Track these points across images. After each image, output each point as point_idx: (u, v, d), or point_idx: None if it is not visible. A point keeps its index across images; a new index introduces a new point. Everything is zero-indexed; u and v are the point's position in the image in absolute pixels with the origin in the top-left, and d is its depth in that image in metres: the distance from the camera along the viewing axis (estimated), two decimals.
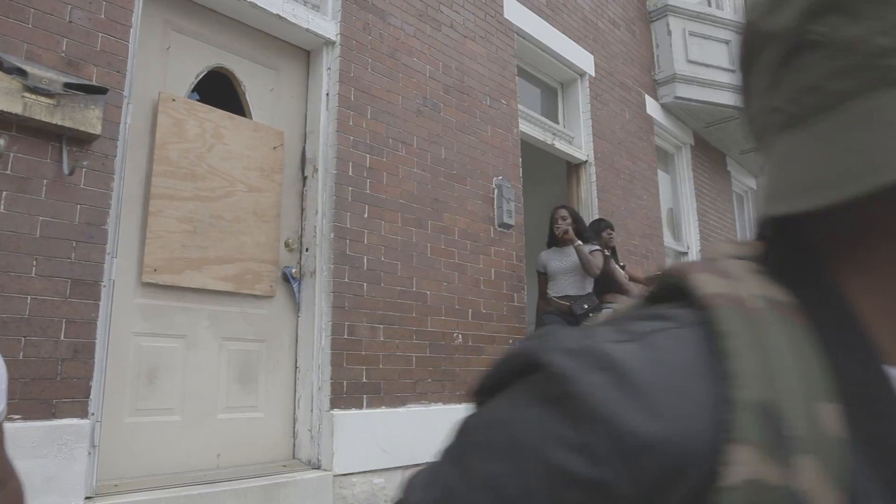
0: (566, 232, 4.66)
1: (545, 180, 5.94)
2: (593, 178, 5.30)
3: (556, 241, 4.48)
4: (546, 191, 5.86)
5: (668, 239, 6.58)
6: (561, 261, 4.52)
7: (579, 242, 4.62)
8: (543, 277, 4.44)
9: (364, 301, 3.24)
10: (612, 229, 4.80)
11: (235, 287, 2.99)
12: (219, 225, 2.96)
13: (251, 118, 3.23)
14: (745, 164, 8.49)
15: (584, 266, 4.68)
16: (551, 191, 5.95)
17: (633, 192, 5.79)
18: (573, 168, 5.36)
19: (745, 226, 8.72)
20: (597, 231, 4.77)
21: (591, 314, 4.43)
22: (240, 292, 3.01)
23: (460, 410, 3.64)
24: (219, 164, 3.00)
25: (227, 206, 3.01)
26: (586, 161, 5.33)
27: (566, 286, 4.44)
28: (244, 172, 3.10)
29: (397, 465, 3.21)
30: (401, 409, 3.29)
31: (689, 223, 6.92)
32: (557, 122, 5.42)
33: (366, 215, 3.34)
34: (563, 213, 4.56)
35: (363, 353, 3.19)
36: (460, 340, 3.72)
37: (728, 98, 6.80)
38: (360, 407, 3.12)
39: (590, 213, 5.25)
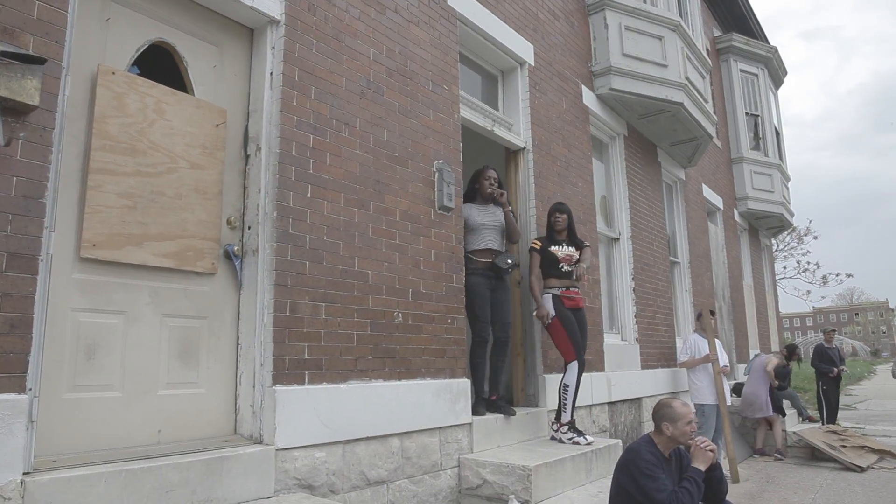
0: (502, 195, 4.84)
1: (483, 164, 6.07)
2: (531, 164, 5.47)
3: (474, 197, 4.78)
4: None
5: (601, 225, 6.84)
6: (484, 216, 4.73)
7: (510, 208, 4.85)
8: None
9: (306, 279, 3.29)
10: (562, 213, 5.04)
11: (177, 264, 2.99)
12: (160, 201, 2.95)
13: (193, 95, 3.21)
14: (675, 155, 8.86)
15: (511, 230, 4.90)
16: None
17: (569, 178, 6.00)
18: (511, 154, 5.52)
19: (673, 214, 9.13)
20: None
21: (512, 269, 4.65)
22: (181, 269, 3.01)
23: (401, 388, 3.75)
24: (160, 140, 2.99)
25: (169, 183, 3.00)
26: (524, 148, 5.49)
27: (489, 240, 4.68)
28: (186, 149, 3.09)
29: (339, 439, 3.29)
30: (342, 386, 3.37)
31: (620, 210, 7.20)
32: (497, 109, 5.55)
33: (309, 195, 3.38)
34: (493, 174, 4.81)
35: (305, 330, 3.25)
36: (400, 319, 3.82)
37: (660, 92, 7.09)
38: (302, 383, 3.19)
39: (527, 199, 5.42)
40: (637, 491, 3.23)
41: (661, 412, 3.43)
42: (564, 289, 4.80)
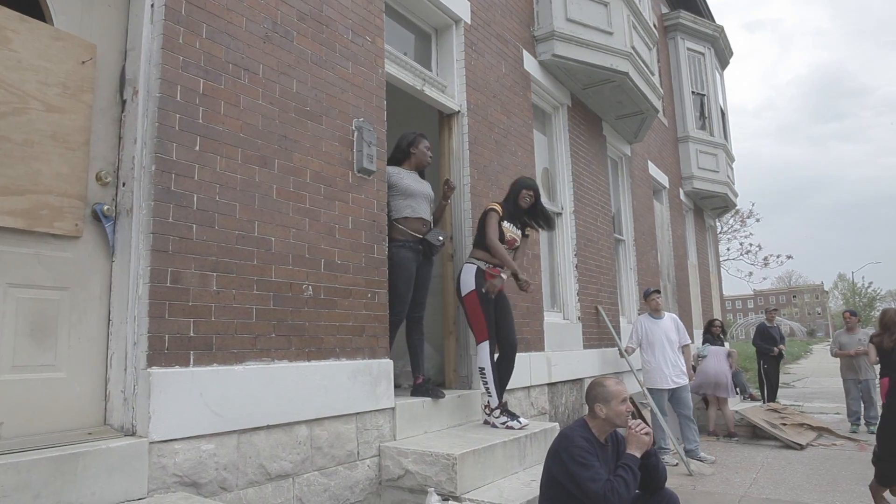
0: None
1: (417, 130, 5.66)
2: (465, 129, 5.08)
3: (401, 162, 4.40)
4: None
5: (542, 198, 6.51)
6: (419, 184, 4.36)
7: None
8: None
9: (193, 245, 2.84)
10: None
11: (27, 224, 2.50)
12: (3, 148, 2.45)
13: (52, 24, 2.70)
14: (620, 130, 8.62)
15: (440, 216, 4.54)
16: None
17: (507, 147, 5.64)
18: (445, 119, 5.12)
19: (619, 190, 8.90)
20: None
21: (442, 247, 4.31)
22: (33, 231, 2.52)
23: (310, 369, 3.33)
24: (3, 75, 2.48)
25: (16, 126, 2.50)
26: (458, 111, 5.10)
27: (421, 209, 4.31)
28: (40, 88, 2.59)
29: (232, 429, 2.87)
30: (238, 367, 2.94)
31: (563, 184, 6.90)
32: (430, 70, 5.14)
33: (197, 148, 2.92)
34: (429, 143, 4.45)
35: (191, 303, 2.80)
36: (311, 293, 3.40)
37: (605, 60, 6.79)
38: (186, 364, 2.74)
39: (461, 166, 5.04)
40: (568, 480, 2.91)
41: (593, 392, 3.11)
42: (492, 266, 4.43)
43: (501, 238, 4.40)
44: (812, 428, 8.74)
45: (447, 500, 3.09)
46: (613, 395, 3.03)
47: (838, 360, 9.50)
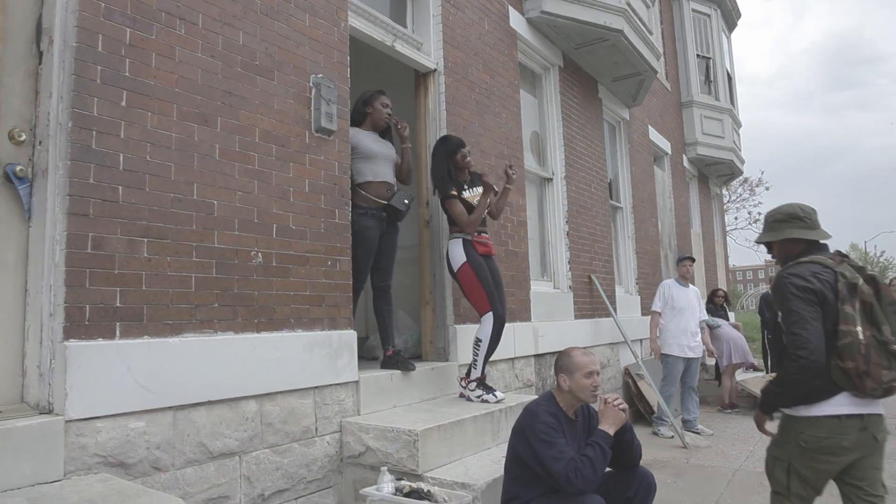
0: (405, 128, 4.23)
1: (392, 92, 5.40)
2: (442, 88, 4.80)
3: (361, 123, 4.12)
4: (392, 102, 5.31)
5: (531, 163, 6.25)
6: (381, 145, 4.11)
7: (409, 145, 4.23)
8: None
9: (119, 208, 2.62)
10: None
11: None
12: None
13: None
14: (618, 92, 8.27)
15: (406, 172, 4.30)
16: (398, 103, 5.44)
17: (490, 108, 5.35)
18: (421, 78, 4.84)
19: (616, 156, 8.58)
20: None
21: (407, 212, 4.08)
22: None
23: (260, 341, 3.12)
24: None
25: None
26: (435, 70, 4.81)
27: (385, 173, 4.08)
28: None
29: (167, 405, 2.67)
30: (173, 340, 2.73)
31: (554, 148, 6.61)
32: (406, 27, 4.85)
33: (123, 103, 2.68)
34: (388, 101, 4.18)
35: (117, 271, 2.58)
36: (260, 260, 3.18)
37: (597, 17, 6.45)
38: (112, 337, 2.54)
39: (437, 127, 4.77)
40: (532, 458, 2.70)
41: (559, 363, 2.89)
42: (476, 233, 4.18)
43: (469, 209, 4.17)
44: None
45: (401, 479, 2.89)
46: (578, 367, 2.80)
47: None
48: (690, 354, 6.81)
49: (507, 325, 4.84)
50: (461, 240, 4.12)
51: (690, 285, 7.04)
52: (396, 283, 5.50)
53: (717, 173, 13.38)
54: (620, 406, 2.77)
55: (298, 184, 3.43)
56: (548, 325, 5.82)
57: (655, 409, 7.00)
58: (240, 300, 3.05)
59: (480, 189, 4.29)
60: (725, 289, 12.18)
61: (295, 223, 3.38)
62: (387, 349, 4.06)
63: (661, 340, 6.94)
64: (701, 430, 6.85)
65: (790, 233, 2.78)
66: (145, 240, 2.69)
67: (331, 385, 3.45)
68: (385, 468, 2.90)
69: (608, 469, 2.94)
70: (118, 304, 2.57)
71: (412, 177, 4.40)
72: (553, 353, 5.93)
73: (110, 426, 2.47)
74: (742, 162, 13.37)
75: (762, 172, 31.96)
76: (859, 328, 2.47)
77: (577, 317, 6.51)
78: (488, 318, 4.02)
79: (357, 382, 3.61)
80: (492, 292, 4.04)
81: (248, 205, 3.14)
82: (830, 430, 2.51)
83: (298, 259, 3.38)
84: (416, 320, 4.96)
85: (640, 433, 7.02)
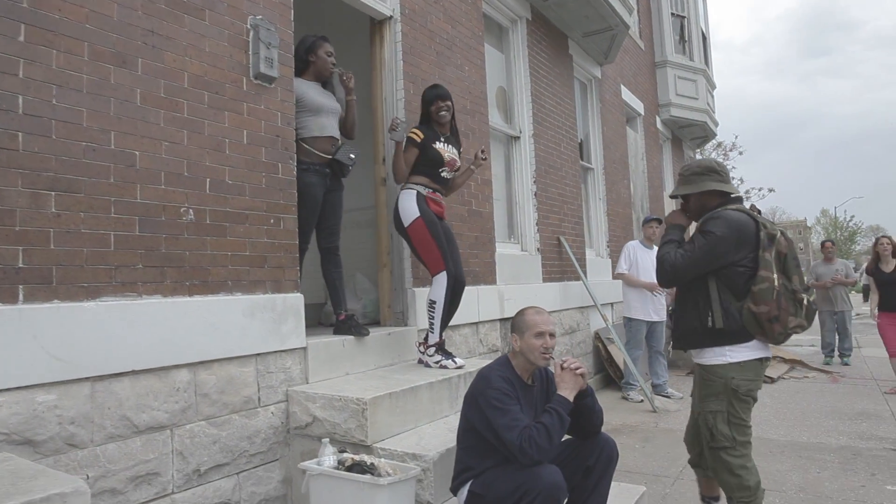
0: (350, 78, 3.95)
1: (343, 41, 5.09)
2: (399, 37, 4.49)
3: (303, 73, 3.80)
4: (346, 51, 5.00)
5: (497, 120, 5.99)
6: (326, 98, 3.84)
7: (355, 97, 3.95)
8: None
9: (19, 158, 2.32)
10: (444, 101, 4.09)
11: None
12: None
13: None
14: (589, 49, 8.00)
15: (350, 125, 4.04)
16: (350, 53, 5.14)
17: (452, 59, 5.06)
18: (377, 25, 4.52)
19: (587, 116, 8.35)
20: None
21: (353, 167, 3.84)
22: None
23: (192, 305, 2.86)
24: None
25: None
26: (391, 17, 4.50)
27: (330, 127, 3.81)
28: None
29: (83, 375, 2.42)
30: (89, 304, 2.47)
31: (521, 105, 6.35)
32: None
33: (21, 38, 2.36)
34: (332, 49, 3.89)
35: (18, 228, 2.30)
36: (192, 217, 2.91)
37: None
38: (14, 301, 2.27)
39: (394, 79, 4.48)
40: (485, 427, 2.50)
41: (512, 322, 2.68)
42: (432, 191, 3.93)
43: (440, 160, 3.92)
44: (784, 360, 8.50)
45: (344, 450, 2.69)
46: (528, 326, 2.59)
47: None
48: (655, 318, 6.75)
49: (471, 288, 4.66)
50: (415, 192, 3.87)
51: (655, 247, 6.90)
52: (355, 246, 5.28)
53: (690, 136, 13.24)
54: (578, 370, 2.57)
55: (235, 135, 3.14)
56: (514, 288, 5.63)
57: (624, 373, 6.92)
58: (168, 261, 2.79)
59: (456, 152, 4.06)
60: None
61: (232, 178, 3.11)
62: (339, 314, 3.84)
63: (624, 304, 6.87)
64: (671, 393, 6.80)
65: (708, 185, 2.86)
66: (52, 193, 2.41)
67: (275, 352, 3.21)
68: (327, 440, 2.70)
69: (567, 437, 2.77)
70: (21, 265, 2.30)
71: (355, 131, 4.12)
72: None
73: (13, 400, 2.22)
74: (716, 124, 13.23)
75: (736, 137, 31.76)
76: (775, 275, 2.65)
77: (545, 280, 6.33)
78: (441, 279, 3.80)
79: (305, 349, 3.38)
80: (445, 250, 3.81)
81: (176, 157, 2.86)
82: (756, 373, 2.76)
83: (236, 217, 3.11)
84: (374, 284, 4.73)
85: (611, 398, 6.99)
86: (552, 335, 2.62)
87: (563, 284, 6.69)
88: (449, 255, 3.83)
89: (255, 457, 3.07)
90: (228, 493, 2.93)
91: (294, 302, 3.34)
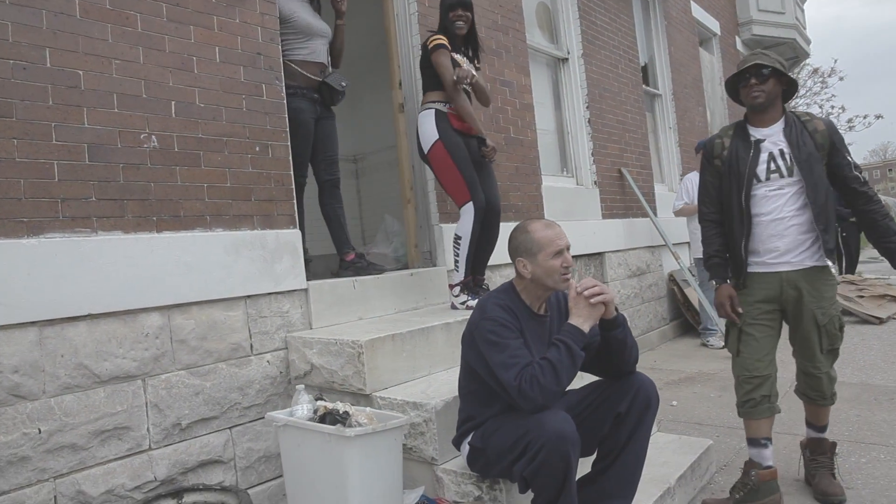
0: (344, 1, 3.50)
1: None
2: None
3: None
4: None
5: (540, 40, 5.38)
6: (316, 19, 3.40)
7: (343, 22, 3.49)
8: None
9: None
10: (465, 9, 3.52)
11: None
12: None
13: None
14: None
15: (338, 52, 3.58)
16: None
17: None
18: None
19: (651, 36, 7.51)
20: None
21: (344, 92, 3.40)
22: None
23: (161, 241, 2.49)
24: None
25: None
26: None
27: (319, 52, 3.39)
28: None
29: (27, 319, 2.16)
30: (30, 241, 2.19)
31: (567, 22, 5.68)
32: None
33: None
34: None
35: None
36: (156, 144, 2.58)
37: None
38: None
39: None
40: (482, 368, 2.06)
41: (514, 242, 2.20)
42: (451, 105, 3.41)
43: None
44: (895, 299, 7.49)
45: (320, 398, 2.32)
46: (541, 245, 2.10)
47: None
48: None
49: (512, 225, 4.16)
50: (433, 111, 3.38)
51: None
52: (385, 188, 4.88)
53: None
54: (598, 297, 2.03)
55: (205, 52, 2.78)
56: (567, 224, 5.01)
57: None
58: (128, 193, 2.47)
59: (472, 66, 3.51)
60: None
61: (203, 100, 2.75)
62: (346, 253, 3.46)
63: (691, 242, 6.12)
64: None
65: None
66: None
67: (268, 294, 2.88)
68: (301, 386, 2.33)
69: (597, 378, 2.28)
70: None
71: (342, 60, 3.67)
72: (575, 256, 5.19)
73: None
74: (808, 42, 11.85)
75: (835, 61, 28.39)
76: None
77: (605, 216, 5.73)
78: (468, 210, 3.31)
79: (306, 291, 3.03)
80: (470, 176, 3.32)
81: (131, 77, 2.52)
82: None
83: (211, 143, 2.76)
84: (402, 222, 4.32)
85: (689, 346, 6.35)
86: (568, 249, 2.12)
87: (627, 221, 6.06)
88: (476, 181, 3.33)
89: (250, 410, 2.76)
90: (219, 449, 2.64)
91: (289, 238, 2.98)
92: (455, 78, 3.29)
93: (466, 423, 2.17)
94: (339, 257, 3.50)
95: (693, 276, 6.11)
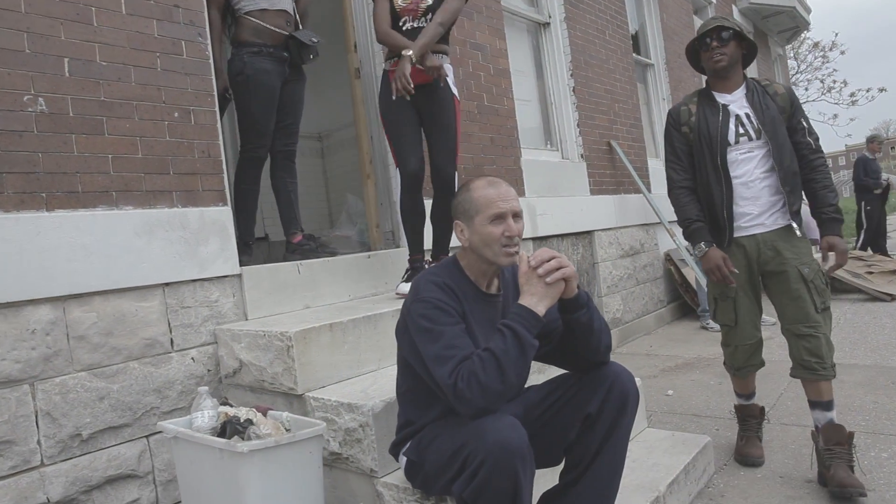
0: None
1: None
2: None
3: None
4: None
5: (516, 2, 4.96)
6: None
7: None
8: None
9: None
10: None
11: None
12: None
13: None
14: None
15: (304, 7, 3.17)
16: None
17: None
18: None
19: (640, 3, 7.08)
20: None
21: (316, 54, 3.00)
22: None
23: (47, 221, 1.84)
24: None
25: None
26: None
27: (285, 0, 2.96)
28: None
29: None
30: None
31: None
32: None
33: None
34: None
35: None
36: (44, 108, 2.19)
37: None
38: None
39: None
40: (416, 361, 1.68)
41: (455, 201, 1.81)
42: (394, 61, 2.96)
43: (395, 16, 2.92)
44: None
45: (225, 402, 1.94)
46: (478, 206, 1.71)
47: None
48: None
49: None
50: (383, 71, 2.96)
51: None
52: (350, 166, 4.49)
53: (777, 27, 11.46)
54: (556, 272, 1.61)
55: (107, 2, 2.38)
56: (551, 201, 4.69)
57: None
58: (8, 165, 2.09)
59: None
60: None
61: (106, 58, 2.36)
62: (293, 234, 3.08)
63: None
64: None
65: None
66: None
67: (191, 281, 2.50)
68: (204, 388, 1.95)
69: (563, 371, 1.90)
70: None
71: (308, 20, 3.26)
72: (563, 235, 4.83)
73: None
74: (808, 11, 11.38)
75: (836, 34, 27.48)
76: None
77: (594, 192, 5.33)
78: (397, 177, 2.91)
79: (239, 276, 2.65)
80: (399, 139, 2.85)
81: (8, 28, 2.13)
82: None
83: (117, 108, 2.37)
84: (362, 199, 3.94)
85: (688, 329, 5.95)
86: (517, 216, 1.72)
87: (618, 198, 5.66)
88: (404, 144, 2.85)
89: (172, 414, 2.38)
90: (132, 462, 2.27)
91: (216, 217, 2.60)
92: (394, 97, 2.76)
93: (404, 429, 1.79)
94: (286, 237, 3.12)
95: (691, 254, 5.71)
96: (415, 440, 1.71)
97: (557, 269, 1.60)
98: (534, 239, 4.47)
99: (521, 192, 4.43)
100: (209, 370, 2.51)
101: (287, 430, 1.74)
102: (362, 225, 4.04)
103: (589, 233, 5.18)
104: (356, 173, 4.41)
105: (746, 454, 2.69)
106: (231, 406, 1.84)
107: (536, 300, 1.59)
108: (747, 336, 2.61)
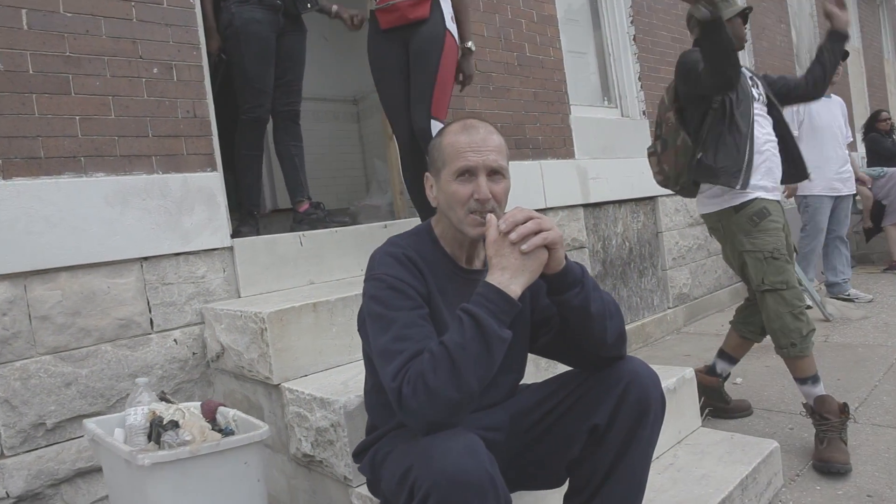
0: None
1: None
2: None
3: None
4: None
5: None
6: None
7: None
8: None
9: None
10: None
11: None
12: None
13: None
14: None
15: None
16: None
17: None
18: None
19: None
20: None
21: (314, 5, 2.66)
22: None
23: (7, 190, 1.86)
24: None
25: None
26: None
27: None
28: None
29: None
30: None
31: None
32: None
33: None
34: None
35: None
36: (0, 66, 1.98)
37: None
38: None
39: None
40: (368, 347, 1.36)
41: (429, 150, 1.45)
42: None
43: None
44: None
45: (164, 397, 1.68)
46: (447, 156, 1.34)
47: None
48: (843, 191, 4.83)
49: (531, 163, 3.40)
50: (370, 12, 2.58)
51: (833, 95, 4.94)
52: (373, 131, 4.18)
53: None
54: (534, 238, 1.21)
55: None
56: (605, 163, 4.22)
57: None
58: None
59: None
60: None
61: (70, 8, 2.12)
62: (299, 202, 2.81)
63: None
64: (855, 294, 4.99)
65: None
66: None
67: (174, 255, 2.27)
68: (143, 380, 1.69)
69: (569, 369, 1.52)
70: None
71: None
72: (620, 202, 4.36)
73: None
74: None
75: None
76: None
77: None
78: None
79: (231, 249, 2.40)
80: (387, 100, 2.51)
81: None
82: None
83: (86, 64, 2.14)
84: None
85: None
86: (495, 174, 1.34)
87: None
88: (393, 106, 2.49)
89: None
90: None
91: (203, 183, 2.35)
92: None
93: (372, 432, 1.49)
94: (291, 203, 2.85)
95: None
96: (370, 452, 1.40)
97: (536, 232, 1.21)
98: (584, 206, 4.03)
99: (569, 154, 3.99)
100: (194, 353, 2.29)
101: (228, 435, 1.47)
102: (392, 193, 3.74)
103: (652, 198, 4.67)
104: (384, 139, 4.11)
105: (828, 459, 2.23)
106: (170, 402, 1.59)
107: (509, 276, 1.20)
108: (800, 297, 2.39)
